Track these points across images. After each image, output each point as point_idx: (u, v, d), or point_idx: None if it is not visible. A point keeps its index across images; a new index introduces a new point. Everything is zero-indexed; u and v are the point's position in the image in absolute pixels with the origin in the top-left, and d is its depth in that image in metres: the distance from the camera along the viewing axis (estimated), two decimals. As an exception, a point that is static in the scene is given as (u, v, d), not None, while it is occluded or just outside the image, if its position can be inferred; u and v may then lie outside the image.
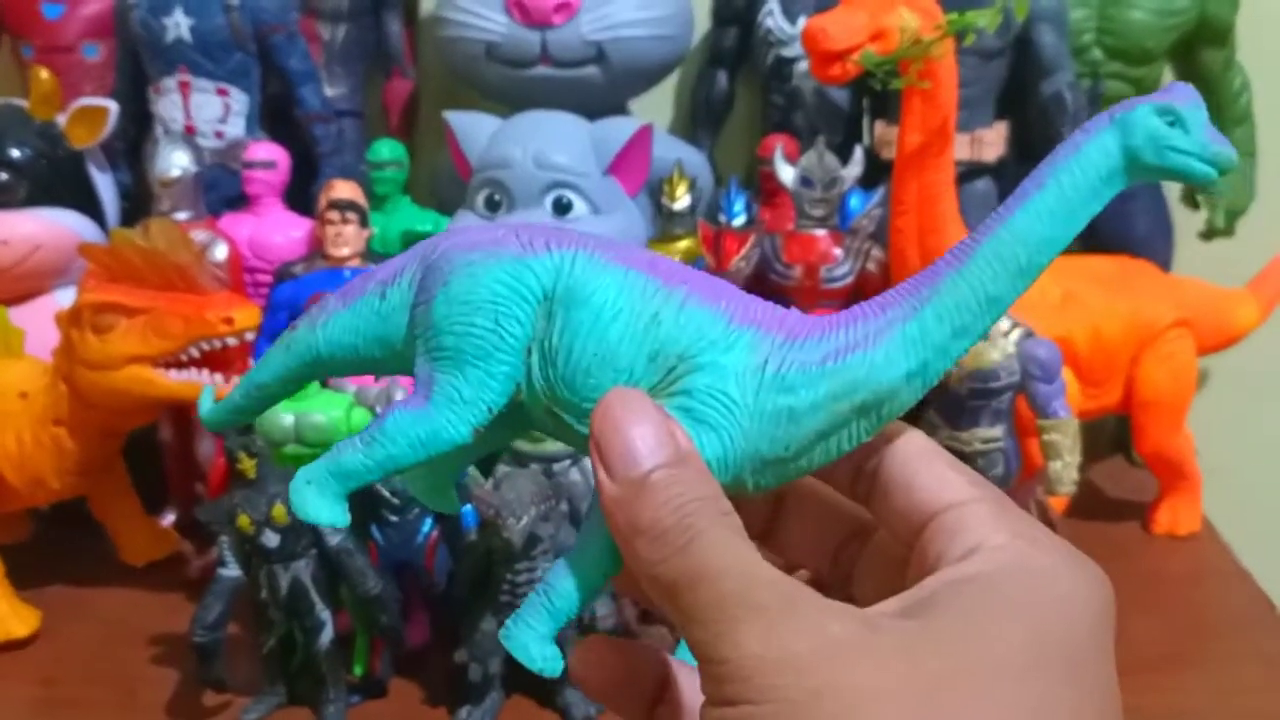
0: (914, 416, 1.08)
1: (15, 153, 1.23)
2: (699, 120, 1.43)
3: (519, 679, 1.02)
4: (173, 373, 1.00)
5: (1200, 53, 1.32)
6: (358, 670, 1.04)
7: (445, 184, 1.36)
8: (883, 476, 0.35)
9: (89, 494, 1.18)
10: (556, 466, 1.06)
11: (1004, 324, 1.02)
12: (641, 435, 0.32)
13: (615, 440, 0.32)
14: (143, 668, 1.08)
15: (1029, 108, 1.26)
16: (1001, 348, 1.02)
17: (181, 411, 1.21)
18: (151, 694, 1.04)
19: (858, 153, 1.16)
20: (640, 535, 0.31)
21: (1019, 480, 1.08)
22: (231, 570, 0.94)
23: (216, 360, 1.01)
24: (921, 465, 0.35)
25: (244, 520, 0.93)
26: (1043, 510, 0.91)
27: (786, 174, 1.16)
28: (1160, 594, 1.17)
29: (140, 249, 0.99)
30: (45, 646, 1.11)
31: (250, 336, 1.00)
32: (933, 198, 1.06)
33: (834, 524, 0.38)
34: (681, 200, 1.24)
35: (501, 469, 1.05)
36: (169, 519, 1.29)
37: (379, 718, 1.01)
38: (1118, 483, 1.35)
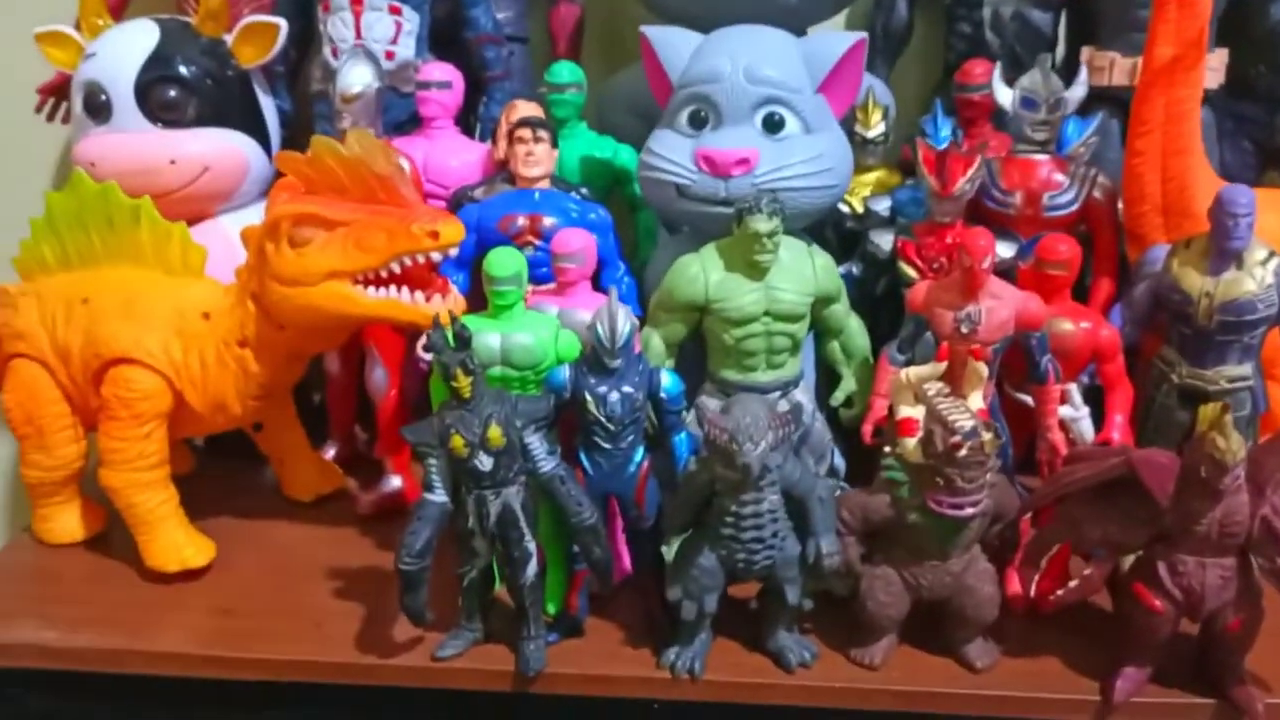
0: (1148, 352, 1.01)
1: (184, 70, 1.18)
2: (878, 49, 1.36)
3: (723, 620, 0.96)
4: (371, 290, 0.95)
5: None
6: (551, 608, 0.99)
7: (614, 111, 1.30)
8: None
9: (264, 422, 1.14)
10: (769, 398, 1.00)
11: (1260, 252, 0.95)
12: None
13: None
14: (325, 600, 1.04)
15: (1252, 33, 1.17)
16: (1258, 278, 0.94)
17: (350, 342, 1.17)
18: (337, 627, 0.99)
19: (1083, 73, 1.08)
20: None
21: (1263, 425, 1.00)
22: (439, 495, 0.89)
23: (415, 278, 0.96)
24: None
25: (458, 441, 0.87)
26: None
27: (1005, 96, 1.09)
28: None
29: (342, 158, 0.94)
30: (221, 577, 1.07)
31: (454, 252, 0.95)
32: (1180, 115, 0.98)
33: None
34: (876, 128, 1.18)
35: (709, 401, 1.00)
36: (329, 454, 1.25)
37: (581, 657, 0.96)
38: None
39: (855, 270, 1.12)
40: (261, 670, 0.98)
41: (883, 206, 1.14)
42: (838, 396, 1.04)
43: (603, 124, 1.30)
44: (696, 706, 0.94)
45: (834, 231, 1.19)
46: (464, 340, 0.86)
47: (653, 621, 0.98)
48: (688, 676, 0.92)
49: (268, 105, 1.26)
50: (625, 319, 0.90)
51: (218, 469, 1.26)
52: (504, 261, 0.94)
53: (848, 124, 1.18)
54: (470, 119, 1.31)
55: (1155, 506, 0.84)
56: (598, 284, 1.10)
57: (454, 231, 0.93)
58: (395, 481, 1.15)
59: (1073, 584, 0.92)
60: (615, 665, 0.95)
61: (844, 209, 1.17)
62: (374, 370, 1.15)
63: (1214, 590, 0.85)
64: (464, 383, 0.87)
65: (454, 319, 0.87)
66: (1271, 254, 0.95)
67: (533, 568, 0.92)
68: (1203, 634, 0.89)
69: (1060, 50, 1.29)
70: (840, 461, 1.09)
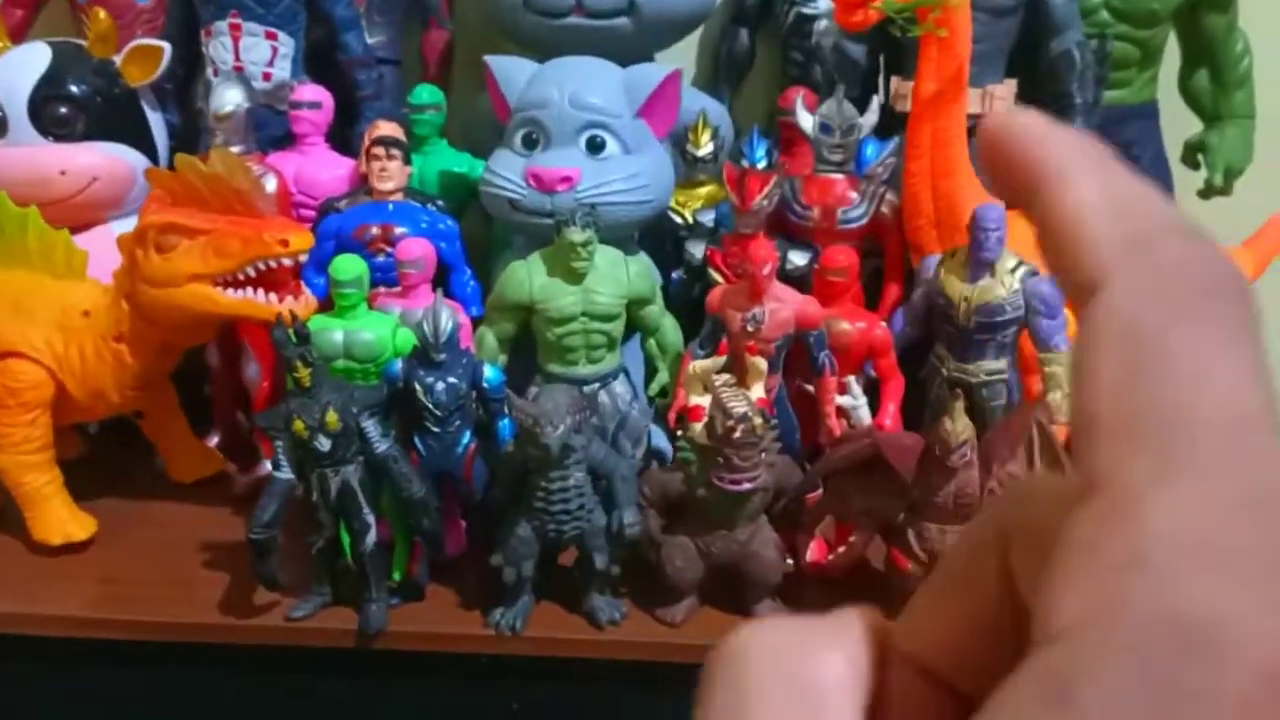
0: (923, 350, 1.15)
1: (74, 88, 1.29)
2: (721, 74, 1.50)
3: (549, 584, 1.09)
4: (230, 291, 1.07)
5: (1203, 17, 1.39)
6: (397, 575, 1.11)
7: (478, 129, 1.42)
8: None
9: (145, 411, 1.25)
10: (586, 389, 1.14)
11: (1010, 261, 1.09)
12: None
13: None
14: (196, 570, 1.15)
15: (1039, 65, 1.32)
16: (1007, 284, 1.09)
17: (228, 337, 1.28)
18: (206, 592, 1.11)
19: (874, 102, 1.22)
20: None
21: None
22: (286, 473, 1.02)
23: (270, 280, 1.08)
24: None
25: (299, 425, 1.00)
26: (1045, 435, 0.98)
27: (807, 121, 1.22)
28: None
29: (203, 174, 1.05)
30: (104, 551, 1.19)
31: (303, 258, 1.07)
32: (946, 141, 1.12)
33: None
34: (705, 147, 1.31)
35: (534, 389, 1.13)
36: (213, 441, 1.37)
37: (417, 618, 1.09)
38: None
39: (678, 276, 1.26)
40: (138, 631, 1.09)
41: (708, 218, 1.27)
42: (653, 388, 1.18)
43: (470, 141, 1.43)
44: (519, 660, 1.07)
45: (671, 241, 1.32)
46: (303, 336, 0.99)
47: (487, 587, 1.11)
48: (510, 633, 1.05)
49: (155, 120, 1.37)
50: (448, 318, 1.02)
51: (108, 454, 1.37)
52: (346, 267, 1.07)
53: (681, 144, 1.31)
54: (350, 134, 1.43)
55: (901, 481, 0.98)
56: (448, 287, 1.23)
57: (302, 240, 1.06)
58: (268, 466, 1.26)
59: (840, 550, 1.06)
60: (449, 624, 1.08)
61: (677, 220, 1.31)
62: (249, 365, 1.27)
63: None
64: (304, 373, 0.99)
65: (294, 317, 0.99)
66: (1019, 263, 1.09)
67: (371, 537, 1.04)
68: None
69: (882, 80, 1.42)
70: (666, 445, 1.22)
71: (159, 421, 1.28)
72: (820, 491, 1.09)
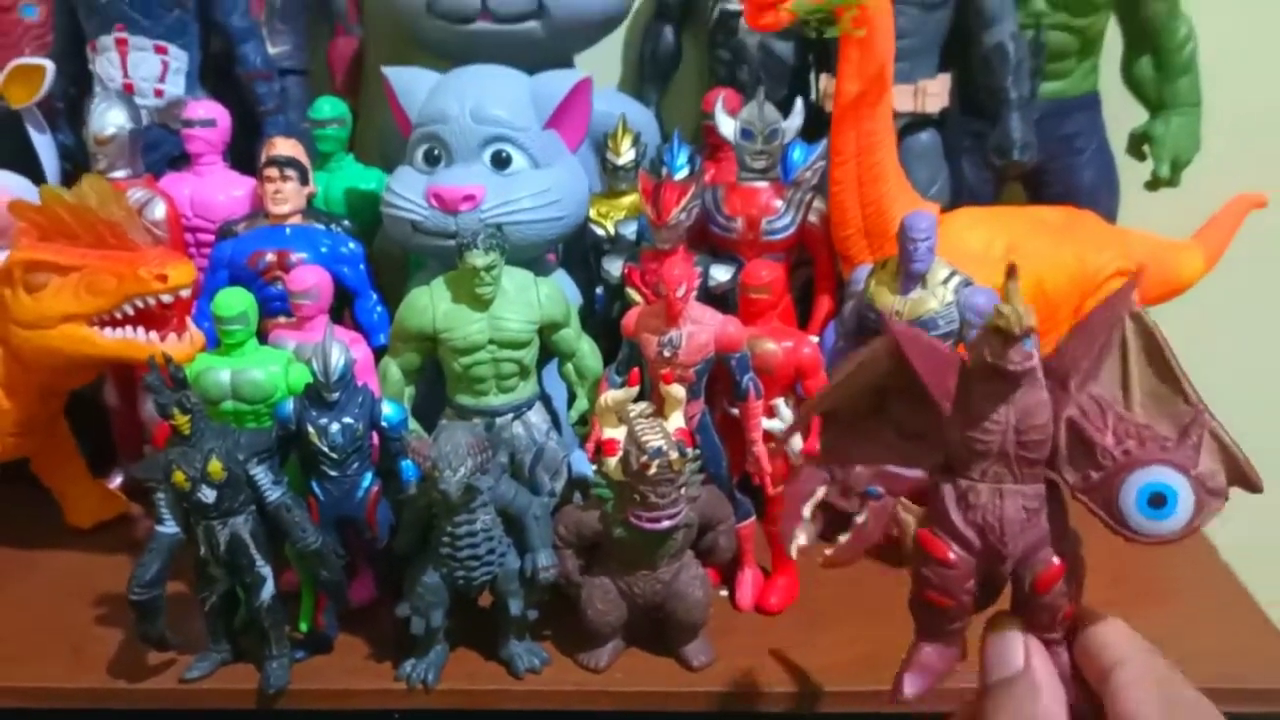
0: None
1: (-51, 113, 1.21)
2: (645, 75, 1.43)
3: (468, 629, 1.02)
4: (108, 330, 1.00)
5: (1145, 2, 1.32)
6: (303, 626, 1.04)
7: (393, 142, 1.35)
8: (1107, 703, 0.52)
9: (33, 455, 1.17)
10: (499, 420, 1.07)
11: (942, 272, 1.03)
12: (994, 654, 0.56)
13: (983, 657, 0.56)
14: (89, 626, 1.08)
15: (972, 58, 1.25)
16: (940, 296, 1.02)
17: (126, 374, 1.21)
18: (97, 650, 1.04)
19: (798, 104, 1.16)
20: None
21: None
22: (169, 527, 0.94)
23: (152, 318, 1.00)
24: (1130, 695, 0.52)
25: (179, 476, 0.92)
26: (1146, 334, 0.59)
27: (727, 127, 1.16)
28: (1107, 540, 1.18)
29: (70, 206, 0.98)
30: (-10, 608, 1.11)
31: (185, 293, 0.99)
32: (871, 147, 1.06)
33: None
34: (625, 155, 1.24)
35: (442, 422, 1.06)
36: (117, 480, 1.29)
37: (325, 673, 1.01)
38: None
39: (602, 293, 1.19)
40: (19, 698, 1.01)
41: (630, 230, 1.20)
42: (572, 416, 1.11)
43: (385, 155, 1.35)
44: (433, 714, 1.00)
45: (595, 254, 1.25)
46: (179, 380, 0.91)
47: (398, 637, 1.04)
48: (421, 686, 0.98)
49: (43, 142, 1.29)
50: (339, 354, 0.95)
51: (2, 496, 1.29)
52: (229, 302, 0.99)
53: (602, 152, 1.24)
54: (255, 151, 1.35)
55: (933, 410, 0.60)
56: (354, 314, 1.16)
57: (182, 274, 0.98)
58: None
59: (844, 538, 0.67)
60: (358, 679, 1.01)
61: (599, 232, 1.23)
62: (146, 402, 1.20)
63: (1016, 526, 0.59)
64: (182, 420, 0.92)
65: (169, 360, 0.92)
66: (952, 274, 1.03)
67: (268, 590, 0.97)
68: (1015, 597, 0.62)
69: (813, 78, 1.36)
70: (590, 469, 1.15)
71: (52, 465, 1.20)
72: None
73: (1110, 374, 0.59)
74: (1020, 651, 0.57)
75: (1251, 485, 0.57)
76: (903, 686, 0.64)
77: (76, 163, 1.34)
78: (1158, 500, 0.56)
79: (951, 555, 0.60)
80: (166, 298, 0.98)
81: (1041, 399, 0.58)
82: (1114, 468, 0.55)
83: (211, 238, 1.22)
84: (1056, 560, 0.58)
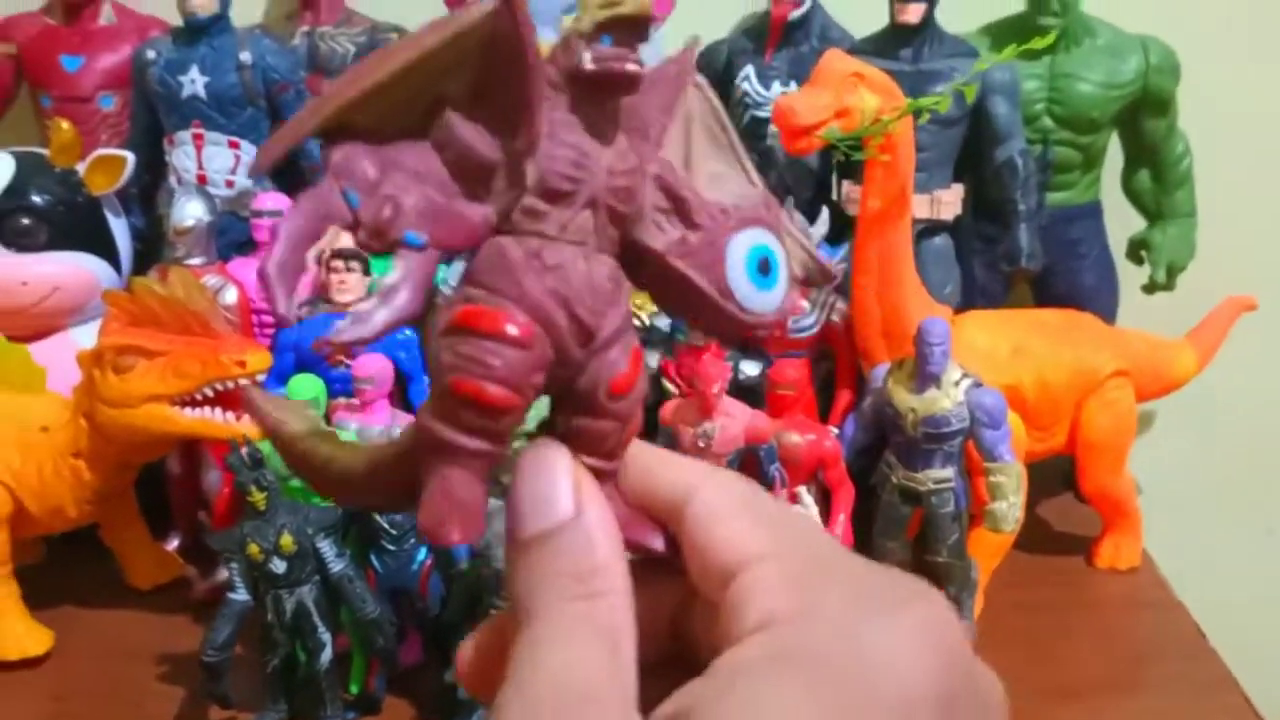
0: (873, 458, 1.17)
1: (36, 199, 1.31)
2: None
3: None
4: (188, 410, 1.08)
5: (1144, 121, 1.43)
6: (354, 689, 1.11)
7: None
8: (684, 540, 0.33)
9: (101, 521, 1.25)
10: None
11: (955, 374, 1.12)
12: (529, 495, 0.32)
13: (513, 497, 0.33)
14: (150, 684, 1.15)
15: (984, 171, 1.35)
16: (952, 396, 1.11)
17: (189, 445, 1.29)
18: (158, 708, 1.11)
19: (824, 213, 1.25)
20: (509, 602, 0.31)
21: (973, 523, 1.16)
22: (241, 595, 1.02)
23: (228, 399, 1.09)
24: (716, 524, 0.32)
25: (254, 549, 1.01)
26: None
27: (758, 232, 1.25)
28: (1101, 623, 1.26)
29: (159, 296, 1.07)
30: (57, 665, 1.19)
31: (261, 378, 1.08)
32: (892, 258, 1.15)
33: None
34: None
35: (493, 503, 1.14)
36: (173, 544, 1.37)
37: (373, 733, 1.09)
38: (1065, 517, 1.44)
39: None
40: (83, 753, 1.09)
41: (665, 323, 1.29)
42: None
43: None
44: (476, 775, 1.08)
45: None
46: (257, 461, 1.00)
47: (443, 701, 1.11)
48: (466, 749, 1.06)
49: (119, 226, 1.38)
50: (401, 439, 1.04)
51: (66, 558, 1.37)
52: (302, 388, 1.08)
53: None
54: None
55: (519, 129, 0.34)
56: (408, 397, 1.24)
57: (260, 360, 1.07)
58: (225, 572, 1.27)
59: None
60: (405, 739, 1.09)
61: (635, 323, 1.32)
62: (209, 472, 1.28)
63: (606, 298, 0.36)
64: (258, 498, 1.00)
65: (248, 442, 1.00)
66: (964, 375, 1.12)
67: (327, 655, 1.05)
68: (562, 412, 0.39)
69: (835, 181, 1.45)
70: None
71: (117, 529, 1.28)
72: None
73: (675, 146, 0.43)
74: (568, 489, 0.34)
75: (826, 275, 0.40)
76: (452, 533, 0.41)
77: (147, 244, 1.44)
78: (765, 266, 0.40)
79: (517, 328, 0.34)
80: (244, 381, 1.07)
81: (630, 142, 0.40)
82: (718, 226, 0.39)
83: (273, 319, 1.31)
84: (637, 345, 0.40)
